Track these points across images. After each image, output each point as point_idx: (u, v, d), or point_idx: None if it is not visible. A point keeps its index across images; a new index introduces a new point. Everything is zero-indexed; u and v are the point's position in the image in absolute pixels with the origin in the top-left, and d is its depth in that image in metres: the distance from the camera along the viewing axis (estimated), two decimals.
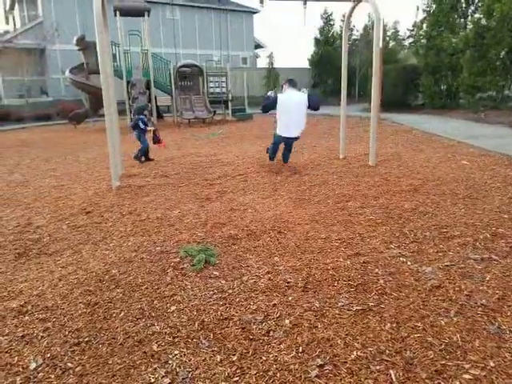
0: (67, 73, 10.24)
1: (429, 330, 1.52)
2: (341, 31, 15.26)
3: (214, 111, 10.91)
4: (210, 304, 1.76)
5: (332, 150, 5.51)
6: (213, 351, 1.45)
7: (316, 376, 1.31)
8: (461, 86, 9.55)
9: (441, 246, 2.28)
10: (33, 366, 1.40)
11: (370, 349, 1.42)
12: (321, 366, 1.35)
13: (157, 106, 11.16)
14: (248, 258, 2.20)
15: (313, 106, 4.16)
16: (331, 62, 15.90)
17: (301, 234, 2.52)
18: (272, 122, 4.85)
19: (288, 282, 1.92)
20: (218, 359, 1.40)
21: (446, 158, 4.74)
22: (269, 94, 4.49)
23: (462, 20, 10.34)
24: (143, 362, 1.41)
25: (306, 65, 17.90)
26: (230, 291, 1.86)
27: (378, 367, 1.33)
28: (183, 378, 1.32)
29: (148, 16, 9.93)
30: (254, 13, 20.53)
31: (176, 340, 1.52)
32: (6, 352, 1.48)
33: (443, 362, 1.34)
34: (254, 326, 1.58)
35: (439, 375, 1.29)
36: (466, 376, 1.28)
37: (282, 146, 4.54)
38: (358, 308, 1.69)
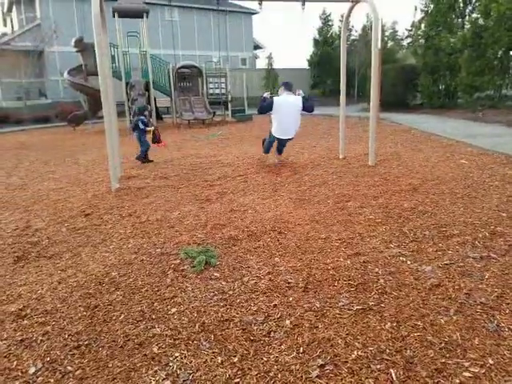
0: (66, 74, 10.23)
1: (429, 329, 1.52)
2: (339, 32, 15.29)
3: (214, 112, 10.92)
4: (210, 305, 1.76)
5: (332, 150, 5.52)
6: (213, 353, 1.45)
7: (317, 376, 1.31)
8: (459, 85, 9.58)
9: (440, 244, 2.28)
10: (32, 370, 1.40)
11: (370, 348, 1.42)
12: (322, 366, 1.35)
13: (156, 108, 11.15)
14: (248, 259, 2.20)
15: (307, 108, 4.35)
16: (330, 63, 15.95)
17: (301, 235, 2.53)
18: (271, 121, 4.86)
19: (289, 283, 1.92)
20: (219, 361, 1.40)
21: (445, 158, 4.75)
22: (265, 95, 4.50)
23: (460, 20, 10.38)
24: (144, 364, 1.41)
25: (306, 65, 17.94)
26: (231, 292, 1.86)
27: (378, 366, 1.33)
28: (184, 380, 1.32)
29: (147, 17, 9.94)
30: (253, 14, 20.57)
31: (176, 342, 1.52)
32: (5, 356, 1.47)
33: (443, 361, 1.35)
34: (255, 327, 1.58)
35: (439, 374, 1.29)
36: (466, 374, 1.28)
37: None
38: (358, 307, 1.69)
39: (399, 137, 6.70)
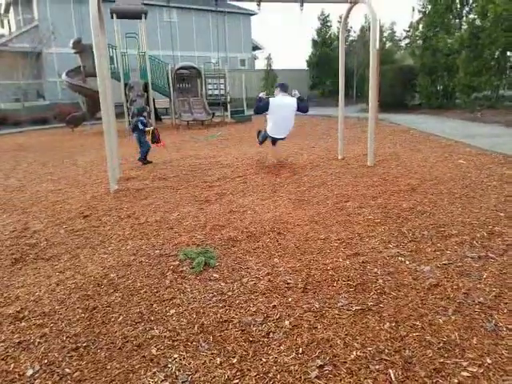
0: (64, 76, 10.22)
1: (427, 329, 1.52)
2: (338, 32, 15.33)
3: (213, 113, 10.92)
4: (209, 306, 1.76)
5: (331, 151, 5.53)
6: (212, 354, 1.44)
7: (316, 377, 1.31)
8: (457, 85, 9.62)
9: (438, 244, 2.29)
10: (29, 372, 1.39)
11: (369, 348, 1.43)
12: (321, 367, 1.35)
13: (155, 109, 11.15)
14: (248, 260, 2.20)
15: (302, 109, 4.43)
16: (329, 64, 15.99)
17: (300, 235, 2.53)
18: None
19: (288, 283, 1.92)
20: (218, 362, 1.40)
21: (443, 158, 4.77)
22: (260, 95, 4.58)
23: (457, 21, 10.43)
24: (142, 366, 1.40)
25: (304, 66, 17.98)
26: (230, 293, 1.86)
27: (377, 367, 1.33)
28: (183, 382, 1.32)
29: (145, 18, 9.94)
30: (252, 15, 20.61)
31: (175, 343, 1.52)
32: (2, 359, 1.46)
33: (441, 360, 1.35)
34: (254, 328, 1.58)
35: (438, 373, 1.29)
36: (464, 373, 1.29)
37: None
38: (357, 308, 1.69)
39: (398, 137, 6.72)
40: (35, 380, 1.36)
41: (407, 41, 15.75)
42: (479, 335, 1.47)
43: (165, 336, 1.56)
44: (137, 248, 2.44)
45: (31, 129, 11.38)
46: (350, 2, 4.50)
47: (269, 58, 16.83)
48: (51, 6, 15.61)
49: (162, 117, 12.47)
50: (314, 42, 17.32)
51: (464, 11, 10.30)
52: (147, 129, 5.20)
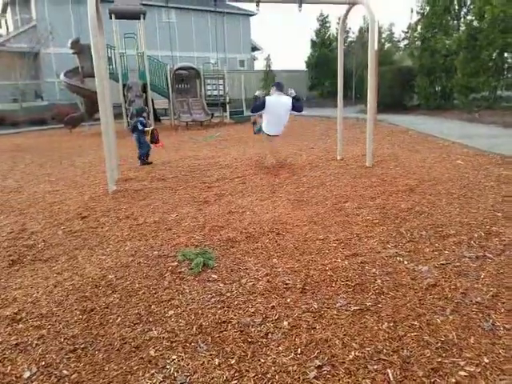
0: (62, 76, 10.19)
1: (425, 329, 1.53)
2: (337, 33, 15.36)
3: (212, 114, 10.92)
4: (208, 307, 1.76)
5: (329, 152, 5.54)
6: (211, 355, 1.44)
7: (314, 377, 1.31)
8: (455, 86, 9.66)
9: (436, 244, 2.30)
10: (27, 374, 1.38)
11: (367, 348, 1.43)
12: (319, 367, 1.35)
13: (154, 109, 11.14)
14: (246, 261, 2.20)
15: (297, 108, 4.52)
16: (328, 64, 16.01)
17: (299, 236, 2.53)
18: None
19: (286, 284, 1.92)
20: (217, 363, 1.40)
21: (441, 158, 4.78)
22: (257, 93, 4.66)
23: (455, 22, 10.48)
24: (140, 367, 1.40)
25: (303, 67, 18.00)
26: (229, 294, 1.85)
27: (375, 367, 1.34)
28: (181, 383, 1.31)
29: (144, 19, 9.93)
30: (251, 15, 20.64)
31: (174, 345, 1.51)
32: None
33: (439, 360, 1.35)
34: (253, 329, 1.58)
35: (435, 373, 1.30)
36: (462, 373, 1.29)
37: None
38: (355, 308, 1.69)
39: (396, 138, 6.74)
40: (32, 382, 1.35)
41: (406, 42, 15.82)
42: (477, 335, 1.48)
43: (163, 337, 1.56)
44: (135, 249, 2.44)
45: (29, 129, 11.34)
46: (349, 3, 4.51)
47: (268, 59, 16.87)
48: (49, 5, 15.58)
49: (161, 117, 12.45)
50: (313, 43, 17.34)
51: (462, 12, 10.36)
52: (146, 129, 5.20)
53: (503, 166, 4.19)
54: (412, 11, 11.40)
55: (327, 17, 17.36)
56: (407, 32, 14.62)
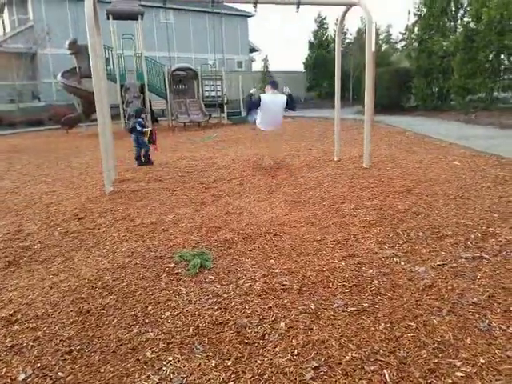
0: (59, 77, 10.16)
1: (422, 329, 1.53)
2: (334, 35, 15.40)
3: (210, 115, 10.92)
4: (204, 309, 1.75)
5: (327, 153, 5.55)
6: (207, 356, 1.44)
7: (311, 378, 1.31)
8: (452, 87, 9.72)
9: (433, 245, 2.31)
10: (22, 376, 1.37)
11: (364, 349, 1.43)
12: (316, 368, 1.35)
13: (151, 110, 11.12)
14: (244, 262, 2.20)
15: (290, 107, 4.63)
16: (325, 66, 16.07)
17: (296, 237, 2.53)
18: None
19: (283, 285, 1.92)
20: (213, 364, 1.39)
21: (438, 159, 4.81)
22: (252, 91, 4.72)
23: (452, 23, 10.55)
24: (136, 369, 1.39)
25: (301, 68, 18.06)
26: (226, 295, 1.85)
27: (372, 367, 1.34)
28: None
29: (141, 19, 9.92)
30: (249, 17, 20.68)
31: (170, 346, 1.51)
32: None
33: (436, 361, 1.36)
34: (250, 330, 1.58)
35: (432, 374, 1.30)
36: (458, 374, 1.29)
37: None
38: (352, 309, 1.69)
39: (393, 139, 6.76)
40: None
41: (403, 43, 15.89)
42: (473, 335, 1.48)
43: (159, 338, 1.55)
44: (132, 250, 2.43)
45: (26, 130, 11.28)
46: (346, 5, 4.53)
47: (265, 60, 16.89)
48: (46, 6, 15.53)
49: (159, 118, 12.43)
50: (311, 44, 17.40)
51: (459, 14, 10.43)
52: (145, 129, 5.19)
53: (500, 167, 4.22)
54: (409, 13, 11.42)
55: (325, 18, 17.45)
56: (404, 33, 14.67)
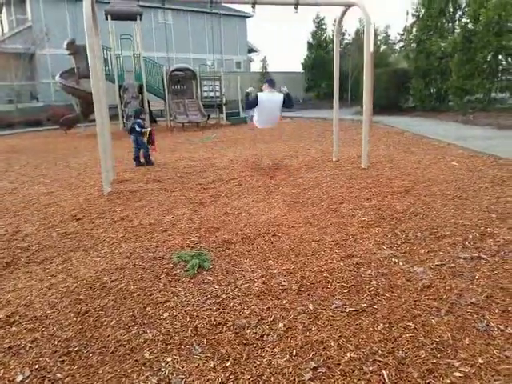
0: (57, 77, 10.12)
1: (420, 330, 1.54)
2: (333, 35, 15.46)
3: (208, 115, 10.91)
4: (203, 309, 1.75)
5: (325, 153, 5.56)
6: (206, 357, 1.44)
7: (310, 379, 1.31)
8: (450, 88, 9.76)
9: (432, 246, 2.31)
10: (19, 378, 1.37)
11: (362, 350, 1.43)
12: (314, 369, 1.35)
13: (150, 111, 11.11)
14: (242, 262, 2.20)
15: (287, 105, 4.66)
16: (324, 66, 16.11)
17: (295, 237, 2.53)
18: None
19: (282, 286, 1.92)
20: (212, 365, 1.39)
21: (436, 160, 4.82)
22: (248, 90, 4.74)
23: (450, 24, 10.60)
24: (135, 370, 1.39)
25: (300, 69, 18.08)
26: (224, 296, 1.85)
27: (370, 368, 1.34)
28: None
29: (140, 20, 9.91)
30: (247, 17, 20.70)
31: (168, 347, 1.50)
32: None
33: (434, 361, 1.36)
34: (248, 331, 1.58)
35: (430, 374, 1.30)
36: (457, 374, 1.30)
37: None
38: (351, 309, 1.70)
39: (392, 139, 6.78)
40: None
41: (401, 44, 15.94)
42: (471, 335, 1.48)
43: (158, 339, 1.55)
44: (130, 251, 2.42)
45: (24, 131, 11.24)
46: (345, 5, 4.55)
47: (264, 61, 16.92)
48: (45, 6, 15.49)
49: (157, 119, 12.42)
50: (310, 45, 17.44)
51: (457, 15, 10.47)
52: (144, 130, 5.18)
53: (497, 168, 4.23)
54: (407, 13, 11.46)
55: (323, 19, 17.49)
56: (403, 34, 14.73)
